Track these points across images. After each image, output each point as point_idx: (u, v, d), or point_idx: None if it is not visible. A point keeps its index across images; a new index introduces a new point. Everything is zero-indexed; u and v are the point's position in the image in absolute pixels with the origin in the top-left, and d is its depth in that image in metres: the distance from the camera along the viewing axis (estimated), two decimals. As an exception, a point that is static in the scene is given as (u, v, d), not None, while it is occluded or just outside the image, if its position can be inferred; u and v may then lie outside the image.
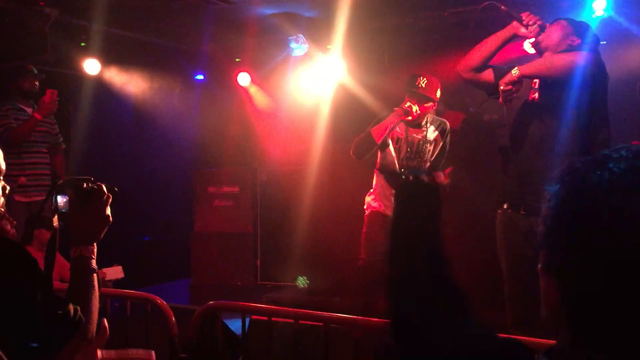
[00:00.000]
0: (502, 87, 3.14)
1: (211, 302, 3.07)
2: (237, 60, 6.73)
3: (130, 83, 6.93)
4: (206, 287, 6.39)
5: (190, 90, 7.43)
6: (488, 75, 3.26)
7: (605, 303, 0.70)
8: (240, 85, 6.82)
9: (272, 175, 6.45)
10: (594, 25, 5.09)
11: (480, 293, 4.75)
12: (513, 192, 3.21)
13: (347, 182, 5.46)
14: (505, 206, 3.26)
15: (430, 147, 4.21)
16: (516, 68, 3.12)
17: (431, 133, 4.21)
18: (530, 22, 3.14)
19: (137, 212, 6.37)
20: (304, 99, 6.21)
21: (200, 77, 7.54)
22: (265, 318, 2.88)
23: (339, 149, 5.48)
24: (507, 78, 3.12)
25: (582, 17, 5.05)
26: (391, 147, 4.20)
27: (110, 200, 1.79)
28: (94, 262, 1.75)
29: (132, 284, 4.99)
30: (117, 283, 5.18)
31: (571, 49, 3.13)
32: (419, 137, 4.20)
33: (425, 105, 4.10)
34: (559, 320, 0.76)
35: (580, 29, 3.23)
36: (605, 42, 5.14)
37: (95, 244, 1.76)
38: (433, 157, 4.23)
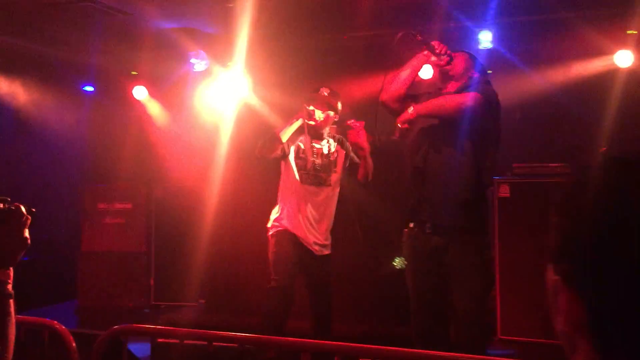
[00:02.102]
0: (399, 125, 3.31)
1: (116, 327, 2.93)
2: (133, 73, 6.52)
3: (13, 92, 6.49)
4: (95, 309, 6.11)
5: (78, 101, 7.09)
6: (409, 105, 3.44)
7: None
8: (136, 99, 6.60)
9: (168, 191, 6.28)
10: (481, 56, 5.50)
11: (388, 307, 4.94)
12: (419, 212, 3.36)
13: (249, 200, 5.44)
14: (411, 225, 3.40)
15: (334, 159, 4.20)
16: (412, 107, 3.30)
17: (332, 145, 4.22)
18: (442, 52, 3.34)
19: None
20: (205, 115, 6.13)
21: (89, 88, 7.22)
22: (177, 341, 2.79)
23: (241, 167, 5.45)
24: (404, 116, 3.30)
25: (470, 48, 5.44)
26: (292, 159, 4.15)
27: (29, 221, 1.68)
28: (10, 286, 1.63)
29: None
30: None
31: (469, 82, 3.37)
32: (322, 148, 4.19)
33: (329, 113, 4.11)
34: (582, 336, 0.69)
35: (477, 63, 3.49)
36: (490, 71, 5.58)
37: (11, 267, 1.64)
38: (341, 168, 4.22)
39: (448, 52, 3.36)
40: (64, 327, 2.94)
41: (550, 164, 5.08)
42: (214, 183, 5.65)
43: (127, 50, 6.12)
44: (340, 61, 5.79)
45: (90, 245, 6.39)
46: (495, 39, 5.44)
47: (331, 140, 4.23)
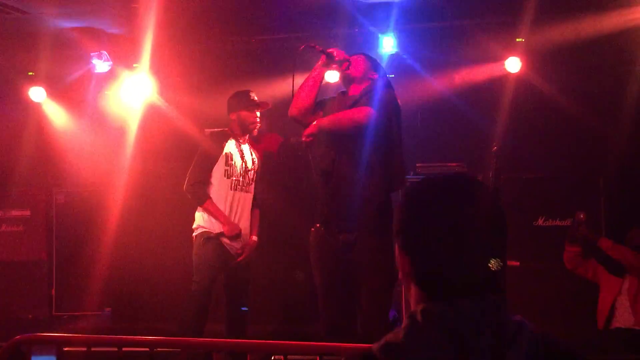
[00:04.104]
0: (304, 138, 3.39)
1: (18, 337, 2.81)
2: (29, 73, 6.21)
3: None
4: (-10, 323, 5.79)
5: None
6: (318, 115, 3.52)
7: (434, 268, 1.14)
8: (33, 101, 6.29)
9: (71, 197, 6.05)
10: (383, 60, 5.72)
11: (298, 306, 5.01)
12: (326, 211, 3.46)
13: (157, 203, 5.35)
14: (318, 225, 3.50)
15: (256, 164, 4.32)
16: (316, 121, 3.39)
17: (253, 154, 4.34)
18: (341, 58, 3.47)
19: None
20: (110, 118, 5.95)
21: (-20, 89, 6.80)
22: (84, 349, 2.72)
23: (147, 170, 5.36)
24: (308, 130, 3.38)
25: (374, 52, 5.64)
26: (219, 168, 4.19)
27: None
28: None
29: None
30: None
31: (371, 85, 3.49)
32: (247, 155, 4.28)
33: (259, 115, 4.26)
34: (411, 280, 1.18)
35: (375, 64, 3.64)
36: (393, 75, 5.81)
37: None
38: (256, 179, 4.31)
39: (346, 57, 3.50)
40: (-40, 340, 2.79)
41: (449, 163, 5.36)
42: (119, 187, 5.51)
43: (23, 49, 5.83)
44: (247, 64, 5.83)
45: (-16, 255, 6.06)
46: (398, 44, 5.66)
47: (249, 148, 4.34)
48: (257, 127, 4.26)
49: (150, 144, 5.49)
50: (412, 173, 5.34)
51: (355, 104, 3.45)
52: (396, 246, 1.21)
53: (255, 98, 4.23)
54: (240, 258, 4.14)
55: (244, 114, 4.20)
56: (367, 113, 3.35)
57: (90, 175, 6.04)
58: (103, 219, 5.58)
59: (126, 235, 5.56)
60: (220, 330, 4.17)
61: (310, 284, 3.62)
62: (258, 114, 4.22)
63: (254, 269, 4.36)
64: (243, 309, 4.17)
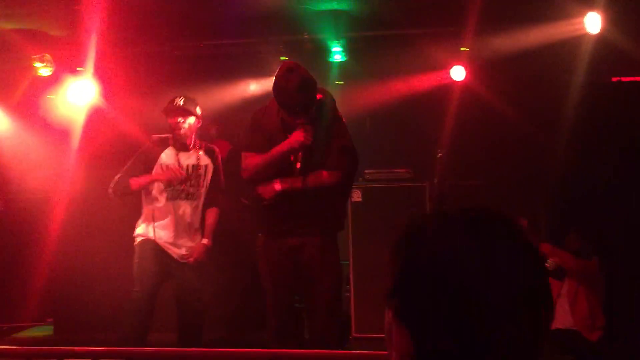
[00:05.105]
0: (266, 202, 3.36)
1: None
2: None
3: None
4: None
5: None
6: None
7: (455, 352, 0.72)
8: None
9: (10, 204, 5.87)
10: (333, 68, 5.77)
11: (245, 313, 4.98)
12: (269, 219, 3.44)
13: (100, 211, 5.22)
14: (261, 234, 3.49)
15: (203, 171, 4.19)
16: (279, 184, 3.34)
17: (203, 158, 4.21)
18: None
19: None
20: (53, 122, 5.78)
21: None
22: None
23: (91, 176, 5.23)
24: (269, 193, 3.35)
25: (323, 60, 5.68)
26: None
27: None
28: None
29: None
30: None
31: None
32: (191, 161, 4.17)
33: (189, 120, 4.10)
34: None
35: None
36: (342, 82, 5.87)
37: None
38: (209, 182, 4.22)
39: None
40: None
41: (396, 169, 5.45)
42: (61, 194, 5.36)
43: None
44: (196, 69, 5.77)
45: None
46: (346, 52, 5.71)
47: (201, 152, 4.22)
48: (181, 132, 4.08)
49: (94, 149, 5.36)
50: (360, 179, 5.39)
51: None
52: (387, 313, 0.80)
53: (180, 103, 4.08)
54: (190, 261, 4.06)
55: (168, 119, 4.13)
56: (342, 175, 3.34)
57: (31, 181, 5.86)
58: (44, 226, 5.43)
59: (68, 244, 5.42)
60: (173, 340, 4.11)
61: (257, 291, 3.60)
62: (181, 119, 4.06)
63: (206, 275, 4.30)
64: None
